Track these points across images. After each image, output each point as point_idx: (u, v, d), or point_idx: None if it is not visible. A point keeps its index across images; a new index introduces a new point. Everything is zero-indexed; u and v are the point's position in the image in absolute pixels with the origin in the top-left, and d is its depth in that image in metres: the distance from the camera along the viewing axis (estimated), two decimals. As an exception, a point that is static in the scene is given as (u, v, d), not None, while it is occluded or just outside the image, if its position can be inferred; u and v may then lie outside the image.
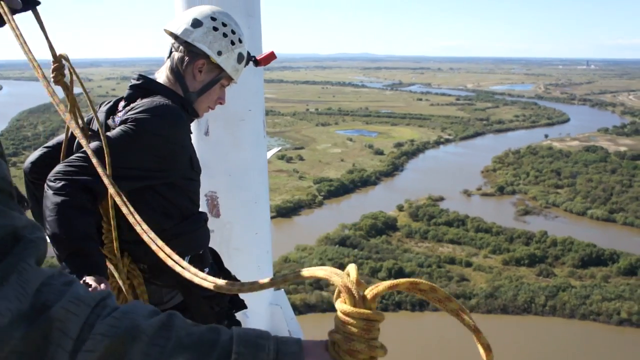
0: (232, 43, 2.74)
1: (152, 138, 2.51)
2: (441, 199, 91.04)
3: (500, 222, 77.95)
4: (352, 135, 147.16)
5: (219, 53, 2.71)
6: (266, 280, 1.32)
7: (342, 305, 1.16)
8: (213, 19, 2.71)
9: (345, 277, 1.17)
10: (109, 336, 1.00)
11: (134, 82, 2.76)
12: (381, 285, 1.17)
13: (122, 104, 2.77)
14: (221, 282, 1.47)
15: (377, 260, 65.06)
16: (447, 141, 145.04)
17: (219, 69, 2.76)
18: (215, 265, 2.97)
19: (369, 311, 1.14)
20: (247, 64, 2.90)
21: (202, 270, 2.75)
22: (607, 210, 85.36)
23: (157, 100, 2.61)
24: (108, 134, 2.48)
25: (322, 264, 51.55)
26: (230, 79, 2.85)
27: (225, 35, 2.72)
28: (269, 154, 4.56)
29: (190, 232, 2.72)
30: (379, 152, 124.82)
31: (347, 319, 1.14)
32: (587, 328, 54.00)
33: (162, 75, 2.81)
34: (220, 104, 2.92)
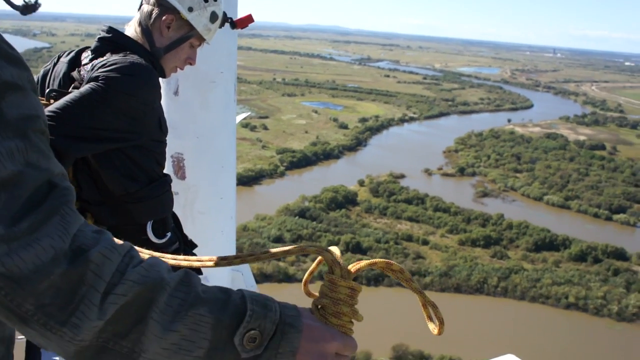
0: (206, 0, 2.59)
1: (124, 98, 2.36)
2: (402, 176, 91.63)
3: (458, 203, 78.89)
4: (318, 107, 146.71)
5: (190, 9, 2.55)
6: (258, 253, 1.42)
7: (331, 276, 1.35)
8: None
9: (334, 254, 1.36)
10: (140, 283, 1.07)
11: (103, 34, 2.60)
12: (362, 263, 1.37)
13: (85, 54, 2.62)
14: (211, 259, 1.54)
15: (335, 233, 65.35)
16: (412, 119, 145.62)
17: (189, 26, 2.60)
18: (176, 229, 2.84)
19: (354, 282, 1.35)
20: (222, 25, 2.75)
21: (164, 235, 2.70)
22: (563, 197, 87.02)
23: (130, 58, 2.44)
24: (76, 92, 2.34)
25: (281, 235, 51.49)
26: (201, 39, 2.69)
27: None
28: (238, 118, 4.47)
29: (155, 196, 2.61)
30: (344, 126, 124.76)
31: (335, 287, 1.34)
32: (536, 310, 55.35)
33: (130, 29, 2.66)
34: (190, 64, 2.77)
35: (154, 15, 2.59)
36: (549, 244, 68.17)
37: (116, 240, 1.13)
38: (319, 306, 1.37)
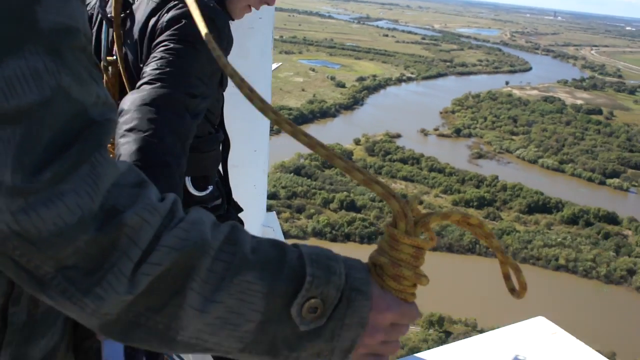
0: None
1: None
2: (398, 136, 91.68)
3: (454, 164, 79.06)
4: (315, 65, 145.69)
5: None
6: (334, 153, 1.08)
7: (393, 230, 1.07)
8: None
9: (402, 202, 1.08)
10: (177, 249, 0.87)
11: None
12: (435, 214, 1.09)
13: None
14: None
15: (330, 191, 65.53)
16: (410, 79, 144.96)
17: None
18: (220, 183, 2.58)
19: (420, 239, 1.07)
20: None
21: (205, 188, 2.56)
22: (558, 161, 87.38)
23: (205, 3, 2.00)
24: (169, 50, 1.91)
25: (276, 192, 51.29)
26: None
27: None
28: (273, 66, 4.34)
29: (198, 151, 2.29)
30: (341, 85, 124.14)
31: (397, 244, 1.07)
32: (525, 271, 55.06)
33: None
34: (268, 4, 2.35)
35: None
36: (542, 206, 68.58)
37: (158, 194, 0.92)
38: (377, 264, 1.09)
